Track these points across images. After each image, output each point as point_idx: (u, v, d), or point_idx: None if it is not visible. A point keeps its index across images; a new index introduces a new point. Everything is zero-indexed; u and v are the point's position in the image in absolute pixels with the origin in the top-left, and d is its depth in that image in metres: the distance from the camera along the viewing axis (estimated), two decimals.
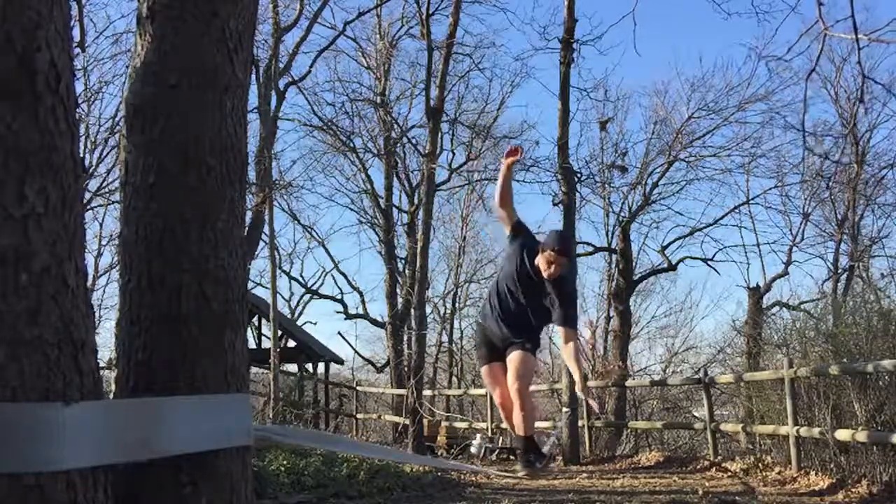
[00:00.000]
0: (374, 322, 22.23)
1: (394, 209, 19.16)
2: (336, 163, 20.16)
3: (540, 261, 4.53)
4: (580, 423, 10.90)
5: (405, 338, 16.27)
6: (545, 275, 4.50)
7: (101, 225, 15.29)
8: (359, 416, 18.01)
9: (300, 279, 25.10)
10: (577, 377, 4.63)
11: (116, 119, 13.07)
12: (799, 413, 7.46)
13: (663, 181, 17.86)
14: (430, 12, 12.80)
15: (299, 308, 25.59)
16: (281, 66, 13.62)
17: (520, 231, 4.74)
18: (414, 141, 17.70)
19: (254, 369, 15.49)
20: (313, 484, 5.96)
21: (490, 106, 19.11)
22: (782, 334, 10.77)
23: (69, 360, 1.61)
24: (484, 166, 18.71)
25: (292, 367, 18.63)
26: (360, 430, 17.40)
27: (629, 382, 14.22)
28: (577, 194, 12.12)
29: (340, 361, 21.22)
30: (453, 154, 18.67)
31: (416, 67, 18.61)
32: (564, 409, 10.51)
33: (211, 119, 2.09)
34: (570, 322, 4.70)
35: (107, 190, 13.45)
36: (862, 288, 15.06)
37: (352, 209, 21.10)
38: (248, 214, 11.85)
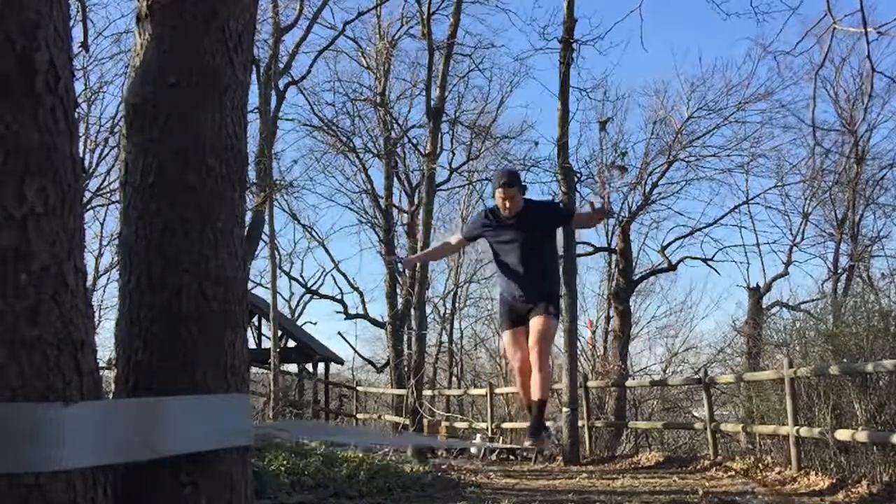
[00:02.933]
0: (374, 322, 22.23)
1: (394, 209, 19.16)
2: (336, 163, 20.18)
3: (499, 206, 4.70)
4: (580, 423, 10.90)
5: (405, 338, 16.27)
6: (509, 213, 4.71)
7: (101, 225, 15.32)
8: (359, 416, 18.02)
9: (300, 279, 25.12)
10: (595, 216, 5.07)
11: (117, 119, 13.09)
12: (799, 413, 7.45)
13: (663, 181, 17.87)
14: (431, 12, 12.81)
15: (299, 308, 25.61)
16: (281, 66, 13.63)
17: (471, 235, 5.07)
18: (414, 141, 17.74)
19: (254, 369, 15.51)
20: (313, 484, 5.96)
21: (490, 106, 19.16)
22: (782, 334, 10.77)
23: (69, 360, 1.61)
24: (484, 166, 18.72)
25: (292, 367, 18.63)
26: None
27: (629, 382, 14.20)
28: (577, 194, 12.13)
29: (340, 361, 21.23)
30: (453, 154, 18.71)
31: (416, 67, 18.65)
32: (564, 409, 10.51)
33: (211, 119, 2.09)
34: (569, 210, 5.09)
35: (107, 190, 13.48)
36: (862, 288, 15.05)
37: (352, 209, 21.12)
38: (248, 214, 11.86)
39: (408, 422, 11.14)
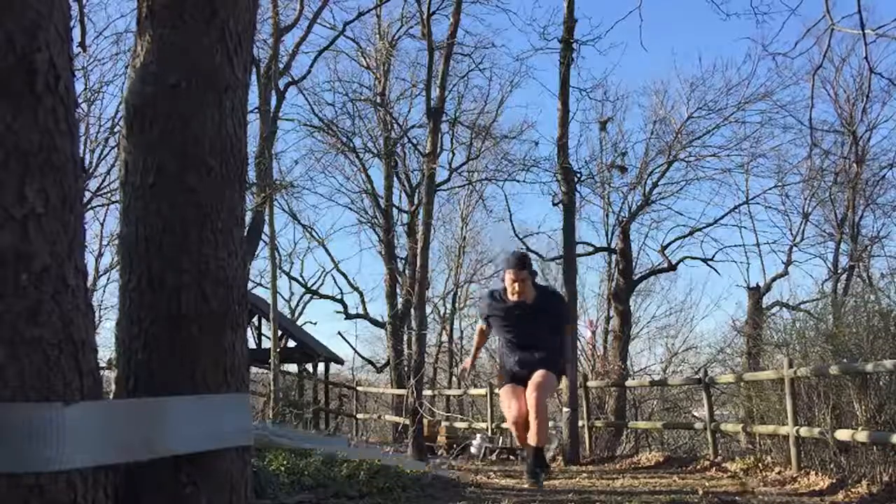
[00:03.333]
0: (374, 322, 22.24)
1: (394, 209, 19.16)
2: (336, 163, 20.17)
3: (508, 292, 4.68)
4: (580, 423, 10.90)
5: (405, 338, 16.27)
6: (517, 297, 4.75)
7: (101, 225, 15.31)
8: (359, 416, 18.01)
9: (300, 279, 25.12)
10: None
11: (116, 119, 13.09)
12: (799, 413, 7.45)
13: (663, 181, 17.86)
14: (431, 12, 12.80)
15: (299, 308, 25.62)
16: (281, 66, 13.63)
17: (486, 318, 5.14)
18: (414, 141, 17.72)
19: (254, 369, 15.50)
20: (313, 484, 5.95)
21: (490, 106, 19.10)
22: (782, 334, 10.76)
23: (69, 359, 1.61)
24: (484, 166, 18.72)
25: (292, 367, 18.63)
26: (360, 431, 17.40)
27: (629, 382, 14.20)
28: (577, 194, 12.12)
29: (340, 361, 21.22)
30: (453, 154, 18.67)
31: (416, 67, 18.63)
32: (564, 410, 10.51)
33: (211, 119, 2.09)
34: (568, 317, 5.42)
35: (107, 190, 13.48)
36: (862, 288, 15.05)
37: (352, 209, 21.10)
38: (248, 214, 11.86)
39: (408, 422, 11.13)
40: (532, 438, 4.73)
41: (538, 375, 4.73)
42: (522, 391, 4.84)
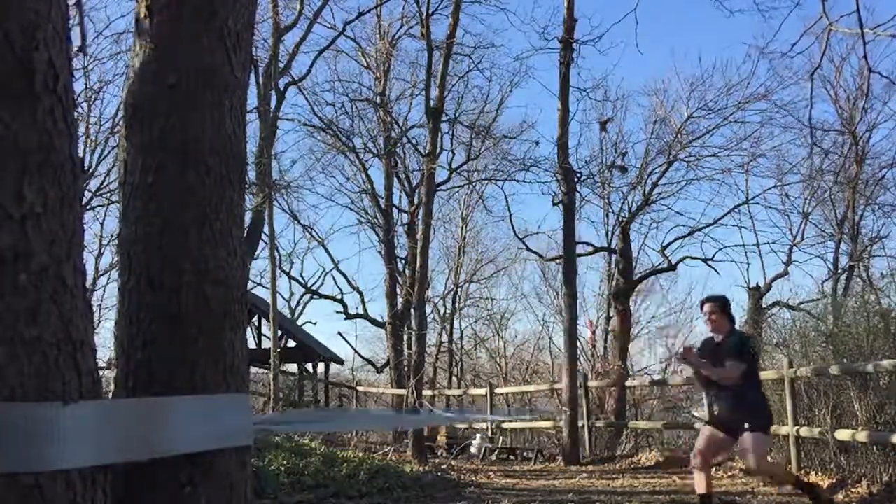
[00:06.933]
0: (374, 322, 22.23)
1: (394, 209, 19.16)
2: (336, 163, 20.16)
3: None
4: (580, 423, 10.90)
5: (405, 338, 16.26)
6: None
7: (101, 225, 15.29)
8: None
9: (300, 279, 25.14)
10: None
11: (116, 119, 13.08)
12: (799, 413, 7.45)
13: (663, 181, 17.81)
14: (430, 12, 12.80)
15: (299, 308, 25.63)
16: (281, 66, 13.62)
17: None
18: (414, 141, 17.70)
19: (254, 369, 15.49)
20: (313, 484, 5.96)
21: (490, 106, 19.08)
22: (782, 334, 10.75)
23: (68, 359, 1.61)
24: (484, 166, 18.69)
25: (292, 367, 18.64)
26: (360, 430, 17.40)
27: (629, 382, 14.20)
28: (577, 194, 12.15)
29: (340, 361, 21.22)
30: (453, 154, 18.65)
31: (416, 67, 18.62)
32: (564, 409, 10.51)
33: (210, 119, 2.08)
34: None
35: (107, 190, 13.47)
36: (862, 288, 15.03)
37: (352, 209, 21.11)
38: (248, 214, 11.86)
39: None
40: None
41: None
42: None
